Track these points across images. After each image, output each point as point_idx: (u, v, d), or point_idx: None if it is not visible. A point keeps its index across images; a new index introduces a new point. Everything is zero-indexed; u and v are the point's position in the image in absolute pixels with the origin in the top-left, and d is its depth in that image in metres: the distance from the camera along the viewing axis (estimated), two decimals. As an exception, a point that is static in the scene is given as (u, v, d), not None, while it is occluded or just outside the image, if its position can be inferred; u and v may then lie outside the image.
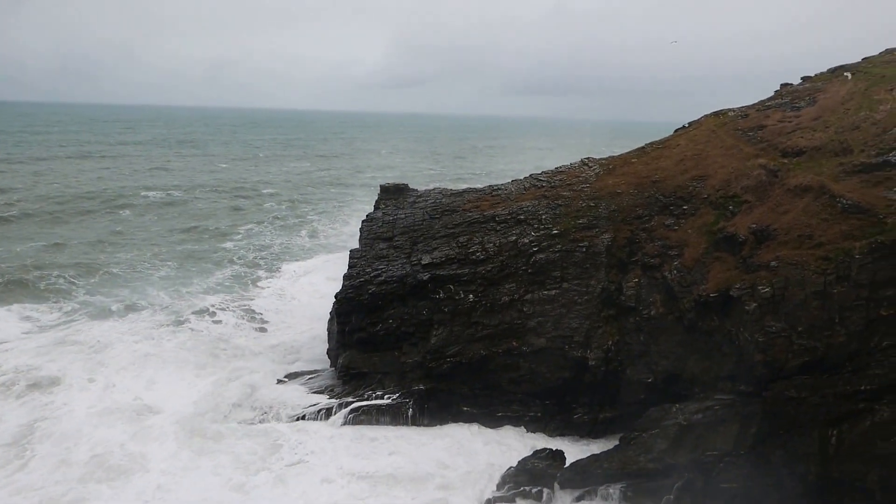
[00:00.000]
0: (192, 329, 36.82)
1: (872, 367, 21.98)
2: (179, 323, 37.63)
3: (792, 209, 25.47)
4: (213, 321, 38.33)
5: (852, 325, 22.24)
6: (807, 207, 25.13)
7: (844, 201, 24.33)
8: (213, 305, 40.93)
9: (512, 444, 26.45)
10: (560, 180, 33.02)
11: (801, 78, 35.51)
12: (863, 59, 34.85)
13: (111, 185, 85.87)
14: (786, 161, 28.15)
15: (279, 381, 31.13)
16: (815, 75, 35.03)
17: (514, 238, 29.58)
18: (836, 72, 33.88)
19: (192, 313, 39.30)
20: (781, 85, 35.75)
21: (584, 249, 28.56)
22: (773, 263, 24.06)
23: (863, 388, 21.88)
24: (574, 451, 25.66)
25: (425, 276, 29.20)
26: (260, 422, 27.77)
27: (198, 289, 45.05)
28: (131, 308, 40.08)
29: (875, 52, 36.44)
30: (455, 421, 27.85)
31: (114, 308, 39.74)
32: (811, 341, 22.58)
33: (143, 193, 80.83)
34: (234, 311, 40.21)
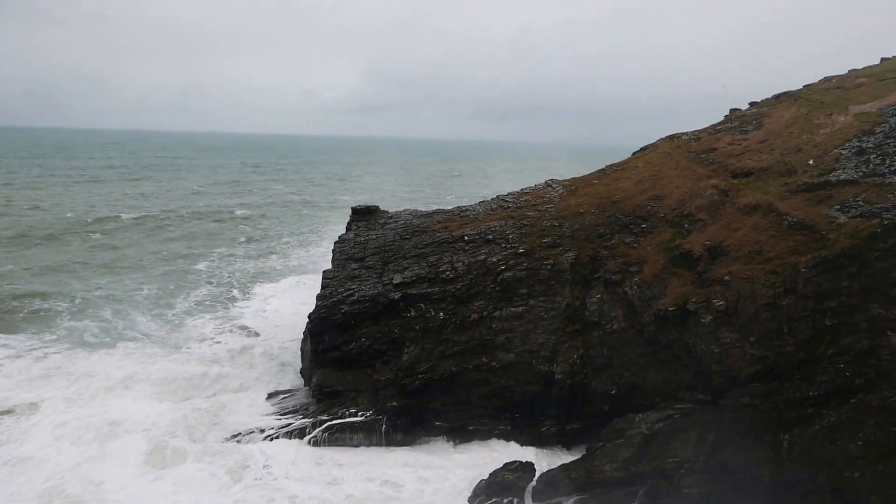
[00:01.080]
0: (169, 352, 36.84)
1: (819, 375, 23.41)
2: (158, 346, 37.67)
3: (742, 227, 27.01)
4: (187, 344, 38.39)
5: (800, 335, 23.68)
6: (756, 225, 26.69)
7: (790, 219, 25.95)
8: (188, 328, 41.04)
9: (483, 458, 27.09)
10: (525, 201, 34.25)
11: (749, 103, 37.63)
12: (804, 87, 37.12)
13: (82, 210, 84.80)
14: (736, 181, 29.82)
15: (254, 402, 31.40)
16: (762, 101, 37.16)
17: (482, 257, 30.57)
18: (781, 98, 36.02)
19: (169, 336, 39.37)
20: (731, 110, 37.80)
21: (550, 267, 29.67)
22: (726, 278, 25.46)
23: (811, 394, 23.28)
24: (543, 462, 26.48)
25: (397, 295, 29.96)
26: (237, 442, 27.96)
27: (175, 311, 44.95)
28: (108, 332, 39.85)
29: (815, 79, 38.85)
30: (428, 436, 28.50)
31: (94, 332, 39.45)
32: (763, 351, 23.94)
33: (116, 216, 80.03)
34: (209, 334, 40.34)
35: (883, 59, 41.55)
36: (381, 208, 37.90)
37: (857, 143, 28.34)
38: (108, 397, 30.47)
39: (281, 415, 30.04)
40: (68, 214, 79.94)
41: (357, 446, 28.15)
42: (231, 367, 35.40)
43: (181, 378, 32.85)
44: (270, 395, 32.09)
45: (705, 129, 36.61)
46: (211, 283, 53.15)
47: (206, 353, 36.96)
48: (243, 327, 41.87)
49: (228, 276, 55.69)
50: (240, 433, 28.76)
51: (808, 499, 22.86)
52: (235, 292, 50.73)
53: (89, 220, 76.39)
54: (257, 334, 40.72)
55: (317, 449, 27.63)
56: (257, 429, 29.04)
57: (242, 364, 35.93)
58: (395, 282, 30.49)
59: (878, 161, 26.66)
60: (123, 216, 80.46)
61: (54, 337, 38.53)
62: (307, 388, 31.70)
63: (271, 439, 28.43)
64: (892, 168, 25.81)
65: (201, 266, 58.54)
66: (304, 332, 32.62)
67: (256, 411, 30.35)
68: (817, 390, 23.23)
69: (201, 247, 66.98)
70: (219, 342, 38.99)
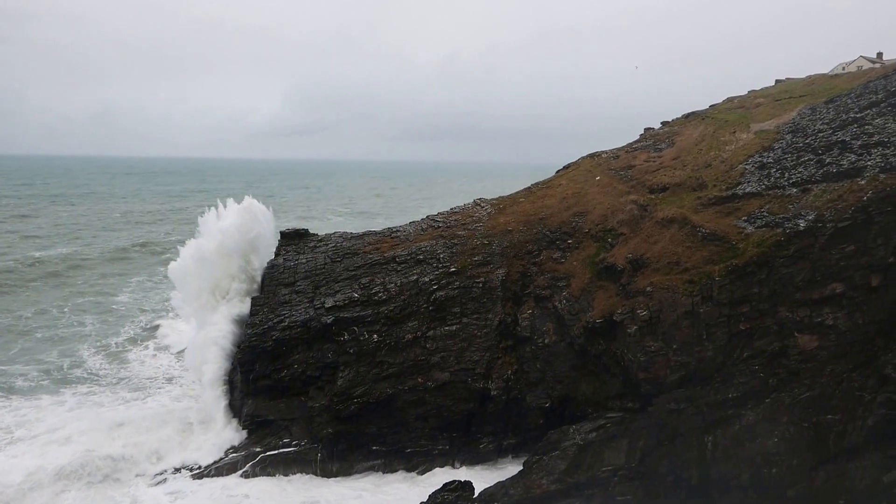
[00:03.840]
0: (80, 393, 34.88)
1: (737, 377, 24.77)
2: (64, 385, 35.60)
3: (661, 239, 28.38)
4: (99, 385, 36.48)
5: (717, 340, 25.02)
6: (673, 237, 28.12)
7: (703, 230, 27.49)
8: (99, 367, 39.09)
9: (421, 480, 27.00)
10: (455, 220, 34.69)
11: (661, 123, 39.76)
12: (710, 106, 39.68)
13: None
14: (653, 196, 31.37)
15: (180, 441, 29.99)
16: (673, 120, 39.38)
17: (414, 277, 30.66)
18: (690, 117, 38.29)
19: (76, 376, 37.31)
20: (645, 129, 39.82)
21: (481, 285, 30.10)
22: (648, 289, 26.63)
23: (730, 396, 24.57)
24: (482, 480, 26.50)
25: (329, 319, 29.56)
26: (158, 483, 26.68)
27: (82, 348, 42.51)
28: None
29: (719, 99, 41.61)
30: (366, 461, 28.11)
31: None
32: (685, 357, 25.13)
33: (27, 253, 73.98)
34: (126, 372, 38.55)
35: (777, 81, 45.02)
36: (311, 231, 37.38)
37: (759, 159, 30.47)
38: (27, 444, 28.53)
39: (213, 450, 28.93)
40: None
41: (292, 475, 27.42)
42: (152, 402, 33.87)
43: (100, 420, 31.05)
44: (199, 431, 30.72)
45: (623, 147, 38.38)
46: (131, 315, 50.72)
47: (122, 394, 35.25)
48: (164, 363, 40.41)
49: (148, 307, 53.33)
50: (165, 471, 27.55)
51: (732, 496, 23.99)
52: (162, 320, 48.84)
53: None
54: (180, 368, 39.18)
55: (251, 481, 26.73)
56: (187, 466, 27.87)
57: (164, 398, 34.51)
58: (326, 306, 30.09)
59: (777, 175, 28.72)
60: (37, 254, 73.01)
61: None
62: (237, 419, 30.58)
63: (200, 477, 27.33)
64: (791, 180, 27.86)
65: (122, 298, 55.87)
66: (232, 363, 31.56)
67: (186, 450, 29.08)
68: (735, 392, 24.55)
69: (118, 274, 63.71)
70: (130, 383, 37.32)
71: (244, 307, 32.77)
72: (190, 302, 35.65)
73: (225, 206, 37.22)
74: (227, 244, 34.52)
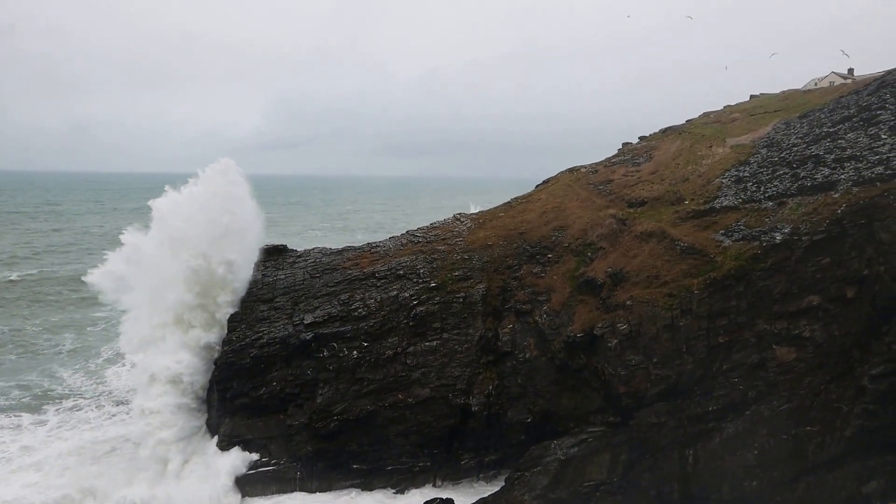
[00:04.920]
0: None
1: (716, 390, 24.83)
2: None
3: (640, 253, 28.52)
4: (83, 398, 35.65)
5: (697, 353, 25.09)
6: (652, 251, 28.27)
7: (682, 244, 27.68)
8: (80, 385, 38.08)
9: (403, 499, 26.64)
10: (435, 235, 34.58)
11: (639, 137, 40.17)
12: (686, 121, 40.22)
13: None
14: (632, 210, 31.58)
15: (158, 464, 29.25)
16: (650, 135, 39.81)
17: (394, 293, 30.43)
18: (667, 131, 38.76)
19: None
20: (623, 144, 40.20)
21: (462, 300, 29.96)
22: (628, 302, 26.68)
23: (710, 409, 24.61)
24: (464, 496, 26.29)
25: (308, 336, 29.17)
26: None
27: (60, 369, 41.48)
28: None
29: (696, 115, 42.24)
30: (346, 480, 27.65)
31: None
32: (665, 370, 25.14)
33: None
34: (105, 387, 37.59)
35: (752, 97, 45.81)
36: (289, 247, 37.02)
37: (735, 173, 30.85)
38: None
39: (189, 474, 28.24)
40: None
41: (271, 495, 26.89)
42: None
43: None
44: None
45: (601, 161, 38.68)
46: (110, 332, 49.70)
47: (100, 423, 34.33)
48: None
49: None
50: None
51: (714, 510, 23.98)
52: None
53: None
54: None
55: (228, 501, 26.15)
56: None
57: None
58: (306, 322, 29.70)
59: (754, 188, 29.08)
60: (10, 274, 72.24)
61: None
62: (214, 439, 29.91)
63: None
64: (767, 194, 28.22)
65: (100, 314, 54.70)
66: (209, 381, 30.93)
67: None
68: (715, 405, 24.60)
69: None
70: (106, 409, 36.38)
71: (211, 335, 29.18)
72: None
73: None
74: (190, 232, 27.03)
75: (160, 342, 28.87)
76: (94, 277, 30.98)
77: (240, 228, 29.78)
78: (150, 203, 30.46)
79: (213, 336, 29.60)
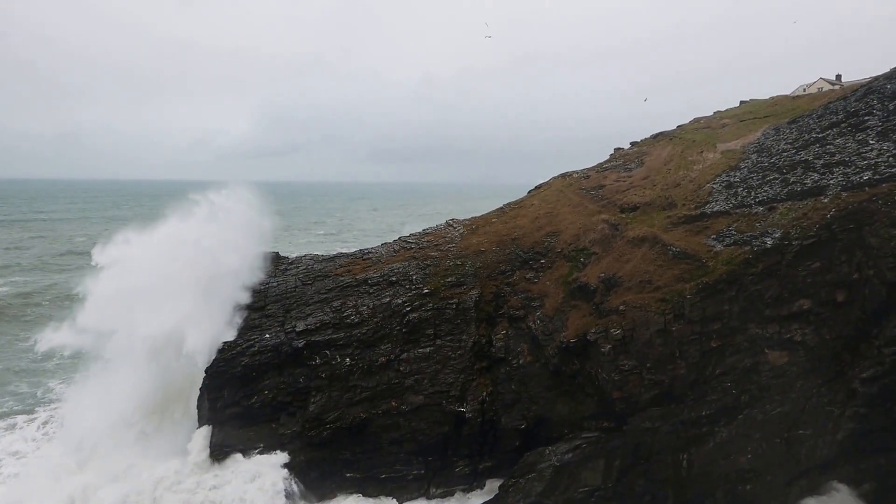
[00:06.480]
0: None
1: (710, 394, 24.88)
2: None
3: (632, 258, 28.58)
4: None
5: (690, 358, 25.14)
6: (644, 256, 28.35)
7: (674, 249, 27.78)
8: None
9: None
10: (428, 241, 34.53)
11: (630, 143, 40.36)
12: (677, 127, 40.47)
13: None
14: (624, 216, 31.68)
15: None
16: (642, 140, 40.01)
17: (387, 300, 30.32)
18: (658, 137, 38.96)
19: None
20: (615, 149, 40.37)
21: (455, 306, 29.89)
22: (621, 307, 26.71)
23: (704, 413, 24.65)
24: (459, 504, 26.18)
25: (300, 343, 29.00)
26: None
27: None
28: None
29: (686, 121, 42.49)
30: (340, 490, 27.39)
31: None
32: (658, 375, 25.16)
33: None
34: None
35: (742, 102, 46.14)
36: (281, 254, 36.86)
37: (726, 178, 31.04)
38: None
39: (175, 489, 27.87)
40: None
41: None
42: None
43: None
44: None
45: (593, 167, 38.79)
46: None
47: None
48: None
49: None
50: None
51: (709, 514, 23.99)
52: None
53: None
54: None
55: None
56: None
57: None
58: (298, 329, 29.54)
59: (744, 193, 29.26)
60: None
61: None
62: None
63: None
64: (757, 199, 28.40)
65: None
66: (200, 389, 30.65)
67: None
68: (709, 409, 24.65)
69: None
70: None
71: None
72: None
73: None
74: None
75: None
76: (43, 345, 31.17)
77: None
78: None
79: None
